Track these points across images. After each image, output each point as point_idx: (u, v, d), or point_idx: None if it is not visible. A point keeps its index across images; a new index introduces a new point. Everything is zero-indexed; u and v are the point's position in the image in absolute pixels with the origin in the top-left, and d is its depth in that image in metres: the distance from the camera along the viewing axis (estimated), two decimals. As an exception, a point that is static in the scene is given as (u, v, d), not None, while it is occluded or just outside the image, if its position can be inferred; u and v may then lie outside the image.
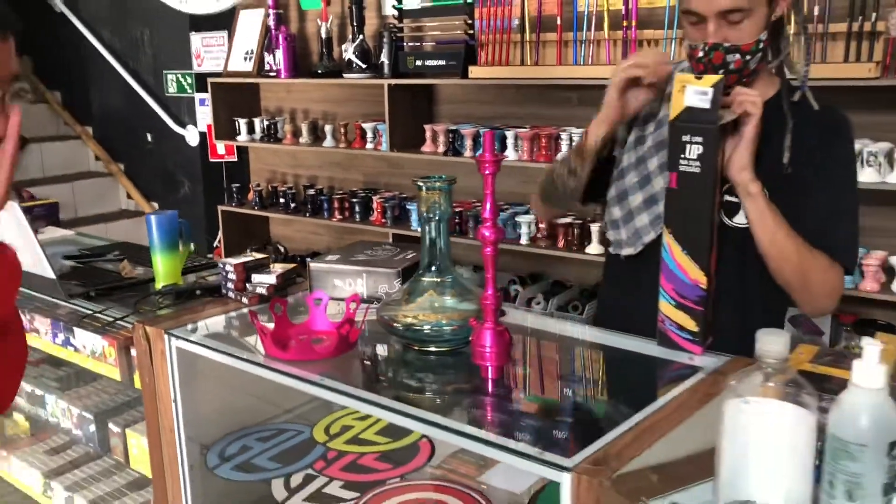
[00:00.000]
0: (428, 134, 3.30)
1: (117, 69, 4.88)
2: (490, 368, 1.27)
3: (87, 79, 5.21)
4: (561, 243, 3.03)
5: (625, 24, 2.78)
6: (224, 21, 4.13)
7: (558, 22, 2.91)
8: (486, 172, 1.25)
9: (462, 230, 3.27)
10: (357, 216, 3.58)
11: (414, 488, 1.50)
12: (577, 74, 2.86)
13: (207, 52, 4.35)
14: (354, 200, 3.58)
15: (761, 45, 1.33)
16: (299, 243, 4.19)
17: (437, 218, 1.39)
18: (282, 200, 3.89)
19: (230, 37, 4.04)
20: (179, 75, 4.58)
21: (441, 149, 3.25)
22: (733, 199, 1.37)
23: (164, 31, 4.63)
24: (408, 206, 3.47)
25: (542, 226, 3.10)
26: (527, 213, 3.17)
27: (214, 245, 4.35)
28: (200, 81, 4.33)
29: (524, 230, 3.11)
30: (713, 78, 1.22)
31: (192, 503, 1.59)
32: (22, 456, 2.21)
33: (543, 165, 3.06)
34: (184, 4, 4.33)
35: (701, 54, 1.33)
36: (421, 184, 1.38)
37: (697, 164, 1.21)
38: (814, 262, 1.35)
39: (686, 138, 1.22)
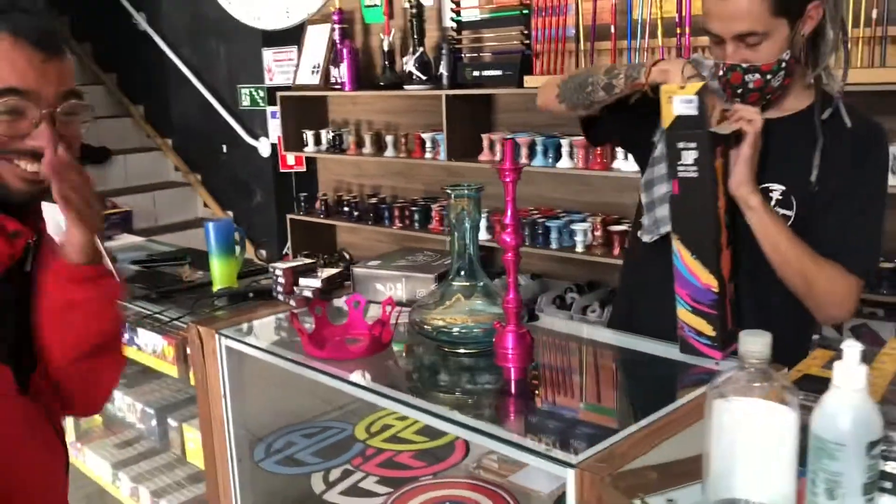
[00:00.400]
0: (485, 143, 3.36)
1: (195, 84, 5.13)
2: (512, 370, 1.32)
3: (167, 93, 5.48)
4: (616, 251, 3.04)
5: (678, 31, 2.78)
6: (294, 36, 4.29)
7: (612, 30, 2.93)
8: (507, 180, 1.29)
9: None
10: (416, 224, 3.66)
11: (444, 485, 1.55)
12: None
13: (278, 66, 4.52)
14: (414, 209, 3.66)
15: (783, 65, 1.34)
16: (365, 251, 4.31)
17: (465, 224, 1.44)
18: (346, 209, 4.01)
19: (299, 52, 4.19)
20: (252, 89, 4.77)
21: (498, 157, 3.31)
22: None
23: (238, 47, 4.84)
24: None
25: (597, 234, 3.11)
26: (583, 220, 3.19)
27: (284, 252, 4.51)
28: (272, 95, 4.51)
29: (580, 238, 3.12)
30: (696, 85, 1.25)
31: (239, 494, 1.68)
32: (94, 448, 2.36)
33: (598, 173, 3.08)
34: (256, 21, 4.51)
35: (722, 73, 1.35)
36: (450, 191, 1.44)
37: (695, 168, 1.24)
38: (819, 271, 1.35)
39: (681, 145, 1.25)
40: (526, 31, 3.18)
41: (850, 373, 0.80)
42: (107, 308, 1.17)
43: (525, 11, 3.17)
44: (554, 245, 3.19)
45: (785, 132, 1.41)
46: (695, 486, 0.97)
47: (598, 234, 3.11)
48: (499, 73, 3.23)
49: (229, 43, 4.93)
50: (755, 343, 0.83)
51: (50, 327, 1.13)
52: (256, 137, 4.83)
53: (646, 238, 1.51)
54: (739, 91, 1.37)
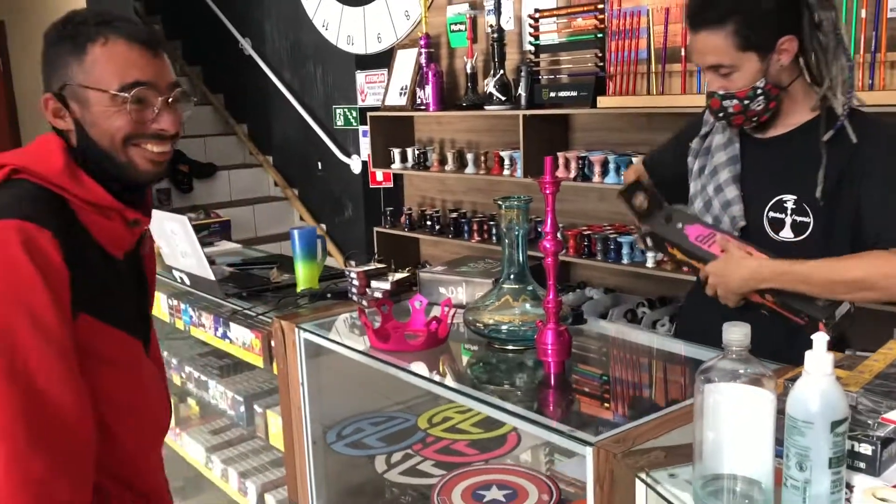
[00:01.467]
0: (560, 161, 3.49)
1: (294, 104, 5.46)
2: (550, 363, 1.46)
3: (268, 113, 5.85)
4: (685, 268, 3.10)
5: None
6: (384, 60, 4.55)
7: (683, 53, 3.02)
8: (547, 192, 1.44)
9: (591, 252, 3.42)
10: (494, 238, 3.82)
11: (494, 471, 1.70)
12: (700, 103, 2.92)
13: (370, 88, 4.79)
14: (492, 223, 3.82)
15: (759, 92, 1.46)
16: (446, 263, 4.49)
17: (515, 233, 1.60)
18: (429, 223, 4.20)
19: (389, 74, 4.43)
20: (346, 109, 5.06)
21: (572, 175, 3.43)
22: (778, 215, 1.49)
23: (334, 70, 5.14)
24: (539, 230, 3.66)
25: (667, 249, 3.18)
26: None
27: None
28: (364, 115, 4.77)
29: (650, 254, 3.21)
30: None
31: (314, 473, 1.88)
32: (191, 434, 2.61)
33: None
34: (351, 46, 4.80)
35: (707, 101, 1.52)
36: (500, 203, 1.60)
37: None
38: (867, 273, 1.40)
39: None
40: (600, 54, 3.31)
41: (818, 360, 0.91)
42: None
43: (600, 35, 3.30)
44: (626, 260, 3.28)
45: (791, 146, 1.52)
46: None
47: (668, 249, 3.18)
48: (574, 93, 3.37)
49: (325, 66, 5.23)
50: (737, 332, 0.95)
51: None
52: (349, 155, 5.11)
53: None
54: (720, 116, 1.52)
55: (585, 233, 3.43)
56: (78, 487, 1.09)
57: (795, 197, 1.50)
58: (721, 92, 1.48)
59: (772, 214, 1.52)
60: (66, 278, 1.09)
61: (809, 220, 1.49)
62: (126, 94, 1.16)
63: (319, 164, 5.43)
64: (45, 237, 1.09)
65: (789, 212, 1.50)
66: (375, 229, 4.49)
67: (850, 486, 0.95)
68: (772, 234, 1.51)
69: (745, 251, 1.49)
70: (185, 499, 2.74)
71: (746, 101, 1.47)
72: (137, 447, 1.24)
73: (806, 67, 1.53)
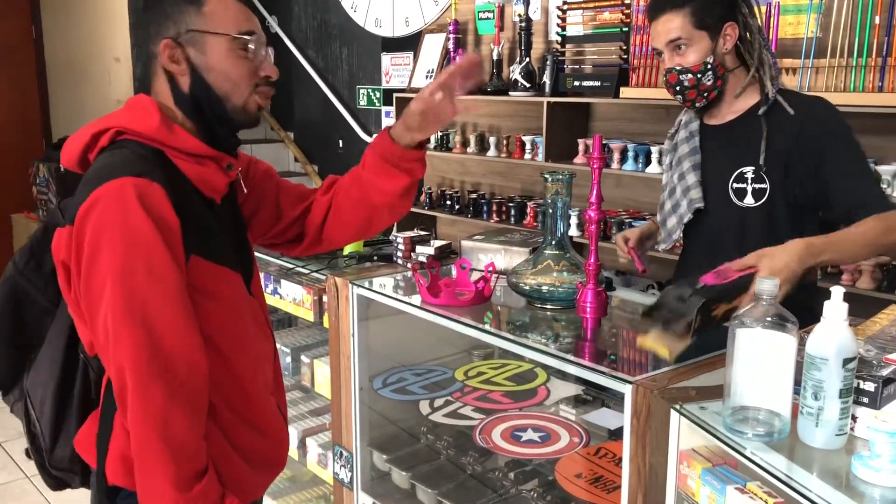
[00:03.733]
0: (580, 147, 3.67)
1: (318, 83, 5.61)
2: (588, 319, 1.64)
3: (291, 90, 6.00)
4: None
5: (766, 52, 3.02)
6: (411, 43, 4.71)
7: (704, 49, 3.20)
8: (594, 167, 1.62)
9: (606, 235, 3.60)
10: (512, 219, 4.00)
11: (528, 416, 1.89)
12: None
13: (395, 70, 4.95)
14: (511, 205, 4.00)
15: (709, 66, 1.75)
16: (462, 242, 4.67)
17: (558, 204, 1.78)
18: (448, 203, 4.38)
19: (415, 57, 4.59)
20: (370, 90, 5.22)
21: (591, 161, 3.61)
22: (741, 185, 1.79)
23: (360, 51, 5.30)
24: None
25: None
26: (667, 222, 3.46)
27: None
28: (387, 96, 4.93)
29: (662, 245, 3.39)
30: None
31: (359, 414, 2.06)
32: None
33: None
34: (379, 28, 4.96)
35: (665, 77, 1.79)
36: (547, 176, 1.78)
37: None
38: (867, 237, 1.62)
39: None
40: (624, 47, 3.48)
41: (834, 308, 1.10)
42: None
43: (625, 29, 3.47)
44: (639, 244, 3.46)
45: (741, 127, 1.82)
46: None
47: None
48: (597, 83, 3.54)
49: (351, 47, 5.39)
50: (767, 284, 1.14)
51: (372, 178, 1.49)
52: (370, 134, 5.27)
53: (664, 246, 2.01)
54: (677, 89, 1.79)
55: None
56: (192, 416, 1.23)
57: (753, 167, 1.78)
58: (678, 67, 1.76)
59: (735, 185, 1.80)
60: (177, 226, 1.22)
61: (766, 185, 1.76)
62: (246, 37, 1.31)
63: (340, 142, 5.59)
64: (156, 190, 1.20)
65: (749, 181, 1.78)
66: (396, 206, 4.66)
67: (854, 417, 1.14)
68: (737, 201, 1.80)
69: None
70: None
71: (699, 76, 1.76)
72: (246, 370, 1.38)
73: (742, 59, 1.82)
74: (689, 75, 1.76)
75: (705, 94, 1.79)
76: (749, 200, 1.79)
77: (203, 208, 1.32)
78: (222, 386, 1.33)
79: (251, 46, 1.32)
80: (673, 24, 1.75)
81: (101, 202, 1.19)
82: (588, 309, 1.64)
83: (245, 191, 1.48)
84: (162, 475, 1.20)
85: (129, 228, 1.18)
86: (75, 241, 1.21)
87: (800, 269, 1.48)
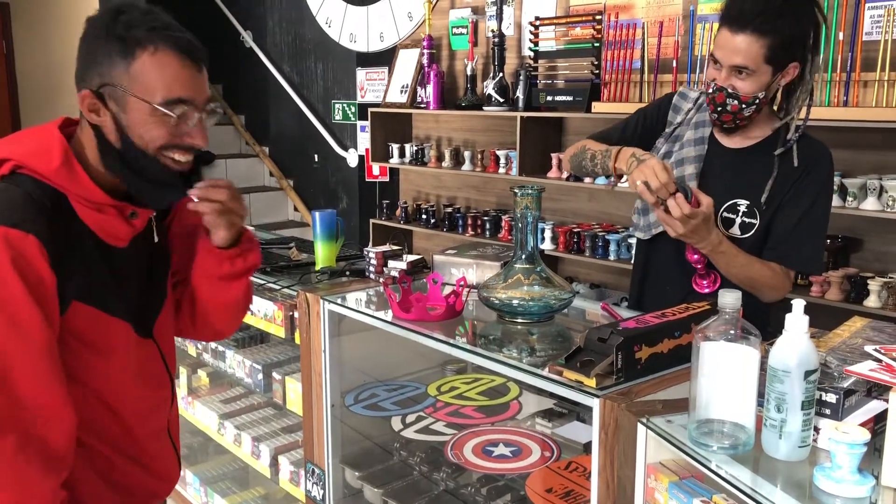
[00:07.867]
0: (554, 161, 3.69)
1: (293, 97, 5.62)
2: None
3: (267, 105, 6.00)
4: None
5: (735, 67, 3.07)
6: (385, 59, 4.73)
7: (674, 64, 3.24)
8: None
9: (580, 248, 3.62)
10: (487, 233, 4.01)
11: (499, 431, 1.88)
12: (688, 112, 3.17)
13: (370, 85, 4.96)
14: (486, 219, 4.02)
15: (757, 101, 1.71)
16: (438, 256, 4.68)
17: (528, 218, 1.79)
18: (423, 217, 4.39)
19: (390, 72, 4.61)
20: (345, 104, 5.22)
21: (565, 175, 3.63)
22: (730, 216, 1.78)
23: (335, 66, 5.31)
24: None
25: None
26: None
27: (364, 254, 4.92)
28: (362, 110, 4.94)
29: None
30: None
31: (331, 431, 2.05)
32: (203, 402, 2.77)
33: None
34: (353, 43, 4.97)
35: (710, 90, 1.73)
36: (517, 191, 1.79)
37: None
38: (760, 277, 1.73)
39: None
40: (596, 63, 3.52)
41: (796, 320, 1.11)
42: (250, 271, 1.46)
43: (596, 44, 3.51)
44: (612, 257, 3.49)
45: (750, 158, 1.80)
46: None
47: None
48: (570, 98, 3.57)
49: (326, 62, 5.40)
50: (729, 297, 1.15)
51: (207, 291, 1.43)
52: (346, 149, 5.28)
53: (641, 236, 1.94)
54: (719, 109, 1.74)
55: (575, 230, 3.63)
56: (51, 467, 1.19)
57: (748, 202, 1.77)
58: (730, 90, 1.69)
59: (725, 214, 1.79)
60: (51, 280, 1.17)
61: (756, 221, 1.77)
62: (168, 111, 1.21)
63: (316, 156, 5.59)
64: (30, 244, 1.15)
65: (741, 213, 1.78)
66: (371, 221, 4.66)
67: (816, 429, 1.15)
68: (722, 228, 1.78)
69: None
70: (191, 464, 2.90)
71: (744, 106, 1.71)
72: (133, 418, 1.36)
73: (780, 94, 1.80)
74: (736, 102, 1.70)
75: (738, 122, 1.75)
76: (735, 231, 1.78)
77: (96, 253, 1.27)
78: (109, 428, 1.32)
79: (177, 116, 1.23)
80: (746, 48, 1.64)
81: None
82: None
83: (156, 239, 1.40)
84: None
85: None
86: None
87: (706, 248, 1.70)
